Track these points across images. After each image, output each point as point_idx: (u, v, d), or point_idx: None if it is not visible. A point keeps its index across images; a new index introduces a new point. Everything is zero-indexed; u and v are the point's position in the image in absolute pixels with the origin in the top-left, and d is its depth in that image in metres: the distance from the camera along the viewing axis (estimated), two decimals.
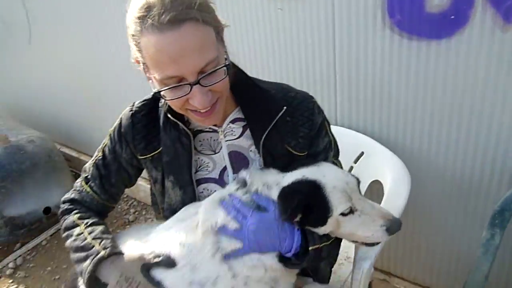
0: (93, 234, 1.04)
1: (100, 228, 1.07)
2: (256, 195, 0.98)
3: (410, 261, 1.75)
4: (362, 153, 1.54)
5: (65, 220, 1.11)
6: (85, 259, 1.01)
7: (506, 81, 1.23)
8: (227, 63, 0.91)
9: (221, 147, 1.08)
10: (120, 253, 1.01)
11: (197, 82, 0.87)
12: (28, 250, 2.50)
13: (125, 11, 0.89)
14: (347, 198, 0.95)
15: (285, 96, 1.07)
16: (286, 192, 0.96)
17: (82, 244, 1.04)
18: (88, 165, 1.15)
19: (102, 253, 0.99)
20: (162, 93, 0.91)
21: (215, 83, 0.90)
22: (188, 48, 0.84)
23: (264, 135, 1.02)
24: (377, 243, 1.02)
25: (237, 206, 0.96)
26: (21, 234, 2.55)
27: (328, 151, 1.11)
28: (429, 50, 1.30)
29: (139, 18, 0.86)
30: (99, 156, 1.13)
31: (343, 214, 0.95)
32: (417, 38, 1.31)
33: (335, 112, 1.61)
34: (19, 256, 2.45)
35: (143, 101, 1.09)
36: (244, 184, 1.00)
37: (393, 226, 0.96)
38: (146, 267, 0.99)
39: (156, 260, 0.98)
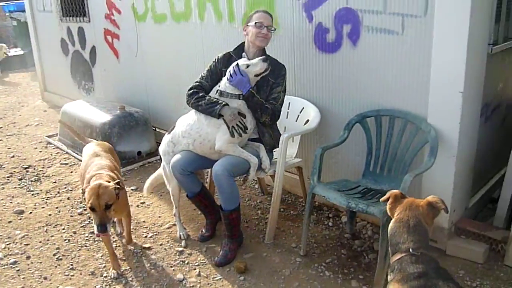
0: (214, 100, 2.75)
1: (214, 99, 2.77)
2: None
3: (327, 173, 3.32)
4: (303, 108, 3.22)
5: (192, 95, 2.81)
6: (215, 105, 2.68)
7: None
8: (272, 30, 2.81)
9: None
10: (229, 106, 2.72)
11: (266, 27, 2.75)
12: (126, 171, 4.23)
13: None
14: (246, 64, 2.71)
15: (277, 62, 2.86)
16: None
17: (212, 101, 2.72)
18: (203, 73, 2.92)
19: (224, 104, 2.70)
20: (249, 28, 2.80)
21: (267, 32, 2.78)
22: (266, 19, 2.78)
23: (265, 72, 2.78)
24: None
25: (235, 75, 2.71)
26: (123, 163, 4.33)
27: (279, 85, 2.83)
28: (329, 58, 3.02)
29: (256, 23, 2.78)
30: (208, 69, 2.91)
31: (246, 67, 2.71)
32: (324, 53, 3.04)
33: (294, 88, 3.32)
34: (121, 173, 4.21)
35: (226, 53, 2.90)
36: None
37: (265, 60, 2.71)
38: (240, 113, 2.71)
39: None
